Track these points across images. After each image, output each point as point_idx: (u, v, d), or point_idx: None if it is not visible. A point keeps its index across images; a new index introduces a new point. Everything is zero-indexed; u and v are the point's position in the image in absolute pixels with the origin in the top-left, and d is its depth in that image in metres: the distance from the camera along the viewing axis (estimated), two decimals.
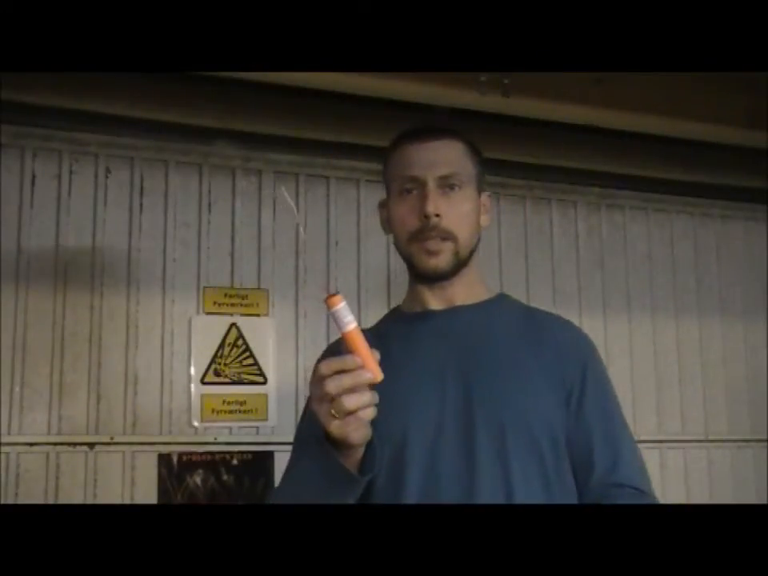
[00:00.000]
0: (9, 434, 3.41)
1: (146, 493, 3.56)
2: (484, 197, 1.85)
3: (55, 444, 3.47)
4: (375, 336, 1.69)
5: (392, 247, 4.01)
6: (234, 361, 3.79)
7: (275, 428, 3.81)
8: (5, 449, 3.38)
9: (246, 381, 3.80)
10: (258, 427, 3.80)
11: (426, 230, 1.72)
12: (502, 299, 1.87)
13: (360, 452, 1.45)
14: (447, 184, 1.73)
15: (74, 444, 3.49)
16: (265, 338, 3.86)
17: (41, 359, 3.50)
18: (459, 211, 1.74)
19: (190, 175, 3.84)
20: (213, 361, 3.76)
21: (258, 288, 3.87)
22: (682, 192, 4.60)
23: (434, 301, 1.80)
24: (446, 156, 1.74)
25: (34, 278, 3.53)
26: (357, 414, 1.37)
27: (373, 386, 1.41)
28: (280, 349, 3.86)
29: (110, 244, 3.67)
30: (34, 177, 3.60)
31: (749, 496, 4.27)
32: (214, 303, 3.79)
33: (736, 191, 4.62)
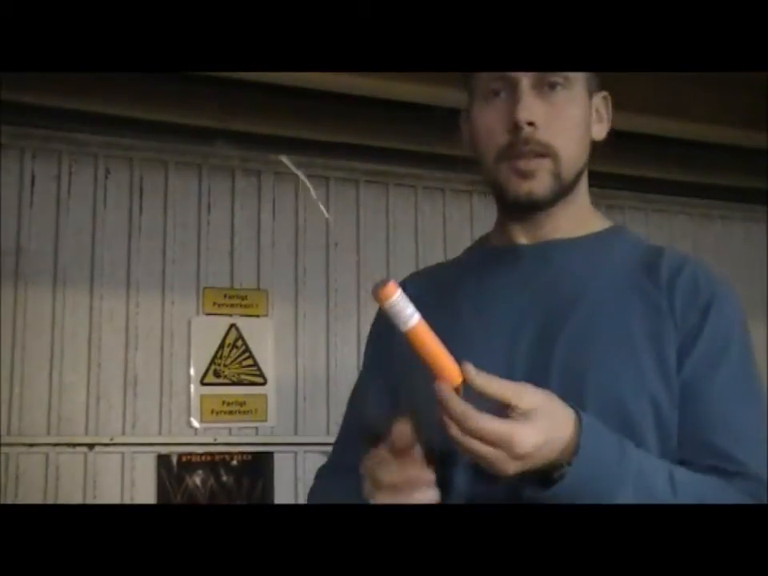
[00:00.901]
0: (8, 434, 3.41)
1: (146, 494, 3.57)
2: (597, 99, 1.42)
3: (54, 445, 3.47)
4: (453, 271, 1.48)
5: (391, 248, 4.05)
6: (234, 361, 3.79)
7: (275, 428, 3.81)
8: (4, 449, 3.38)
9: (245, 381, 3.80)
10: (257, 428, 3.80)
11: (517, 145, 1.30)
12: (613, 233, 1.43)
13: None
14: (547, 82, 1.31)
15: (74, 445, 3.49)
16: (264, 338, 3.86)
17: (40, 360, 3.50)
18: (562, 118, 1.32)
19: (189, 176, 3.84)
20: (212, 361, 3.76)
21: (258, 289, 3.87)
22: (681, 193, 4.60)
23: (524, 235, 1.40)
24: None
25: (34, 279, 3.53)
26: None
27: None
28: (279, 349, 3.86)
29: (110, 245, 3.67)
30: (33, 177, 3.60)
31: None
32: (214, 304, 3.79)
33: (736, 192, 4.62)
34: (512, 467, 1.08)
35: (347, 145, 3.90)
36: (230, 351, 3.80)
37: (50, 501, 3.42)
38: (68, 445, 3.49)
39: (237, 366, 3.79)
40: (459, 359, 1.12)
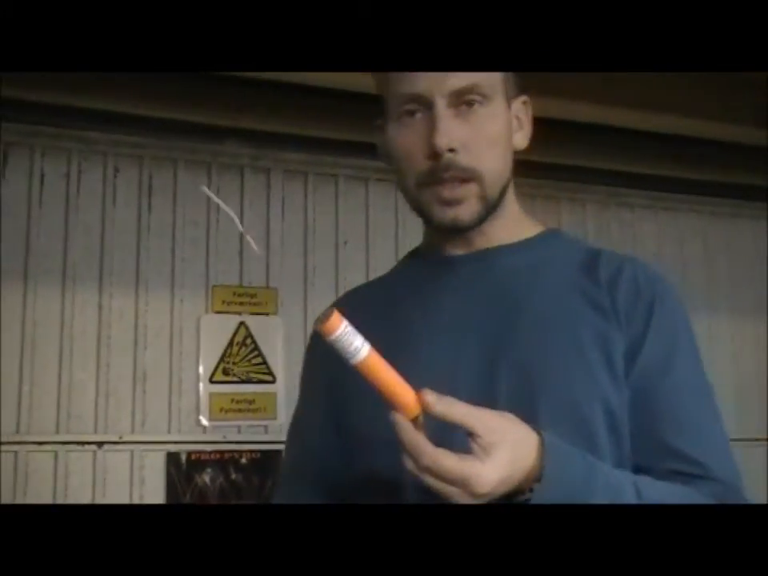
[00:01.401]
0: (17, 432, 3.41)
1: (155, 492, 3.57)
2: (517, 105, 1.33)
3: (64, 443, 3.47)
4: (390, 285, 1.43)
5: (401, 245, 4.05)
6: (243, 360, 3.79)
7: (284, 426, 3.81)
8: (14, 447, 3.39)
9: (254, 380, 3.80)
10: (266, 426, 3.80)
11: (438, 171, 1.23)
12: (550, 237, 1.38)
13: None
14: (464, 101, 1.23)
15: (83, 443, 3.50)
16: (273, 336, 3.86)
17: (49, 358, 3.51)
18: (483, 138, 1.24)
19: (198, 174, 3.84)
20: (221, 360, 3.77)
21: (267, 287, 3.87)
22: (690, 190, 4.60)
23: (456, 248, 1.34)
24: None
25: (43, 277, 3.54)
26: None
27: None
28: (288, 347, 3.86)
29: (119, 243, 3.68)
30: (42, 175, 3.61)
31: (748, 496, 4.23)
32: (223, 302, 3.80)
33: (745, 189, 4.61)
34: (469, 503, 1.04)
35: (357, 143, 3.89)
36: (239, 349, 3.80)
37: (59, 499, 3.42)
38: (77, 443, 3.49)
39: (246, 364, 3.80)
40: (409, 375, 1.06)
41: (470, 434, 1.03)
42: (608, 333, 1.24)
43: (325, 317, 1.01)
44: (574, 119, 3.77)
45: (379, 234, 4.05)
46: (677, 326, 1.30)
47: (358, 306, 1.34)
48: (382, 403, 1.06)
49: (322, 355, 1.30)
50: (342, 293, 3.97)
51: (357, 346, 1.02)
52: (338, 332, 1.01)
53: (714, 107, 3.86)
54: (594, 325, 1.24)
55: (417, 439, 1.03)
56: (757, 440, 4.51)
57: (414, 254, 1.45)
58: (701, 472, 1.21)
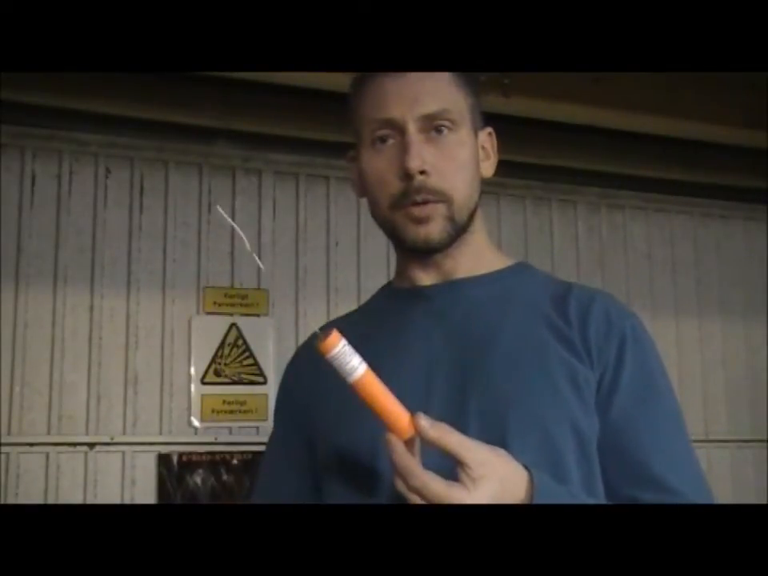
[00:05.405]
0: (9, 434, 3.41)
1: (146, 493, 3.57)
2: (483, 136, 1.40)
3: (55, 444, 3.47)
4: (362, 317, 1.48)
5: (392, 247, 4.04)
6: (234, 361, 3.79)
7: None
8: (5, 449, 3.38)
9: (245, 381, 3.80)
10: (258, 427, 3.80)
11: (410, 193, 1.29)
12: (518, 270, 1.41)
13: None
14: (433, 126, 1.30)
15: (74, 444, 3.50)
16: (265, 337, 3.86)
17: (41, 359, 3.51)
18: (452, 162, 1.30)
19: (190, 175, 3.84)
20: (213, 361, 3.77)
21: (258, 288, 3.87)
22: (681, 192, 4.61)
23: (426, 276, 1.39)
24: (429, 87, 1.29)
25: (34, 278, 3.53)
26: None
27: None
28: (280, 349, 3.86)
29: (110, 244, 3.67)
30: (34, 177, 3.61)
31: (749, 496, 4.28)
32: (214, 303, 3.80)
33: (736, 191, 4.63)
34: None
35: (348, 144, 3.89)
36: (231, 350, 3.80)
37: (51, 500, 3.42)
38: (69, 444, 3.49)
39: (237, 365, 3.80)
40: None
41: (459, 464, 1.07)
42: (575, 364, 1.27)
43: (324, 334, 1.05)
44: (564, 120, 3.78)
45: (370, 235, 4.05)
46: (650, 359, 1.33)
47: None
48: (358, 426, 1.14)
49: (293, 379, 1.43)
50: (333, 294, 3.95)
51: (354, 364, 1.06)
52: (337, 350, 1.05)
53: (706, 109, 3.87)
54: (560, 355, 1.28)
55: (408, 460, 1.07)
56: (746, 441, 4.52)
57: (386, 288, 1.52)
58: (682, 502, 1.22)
